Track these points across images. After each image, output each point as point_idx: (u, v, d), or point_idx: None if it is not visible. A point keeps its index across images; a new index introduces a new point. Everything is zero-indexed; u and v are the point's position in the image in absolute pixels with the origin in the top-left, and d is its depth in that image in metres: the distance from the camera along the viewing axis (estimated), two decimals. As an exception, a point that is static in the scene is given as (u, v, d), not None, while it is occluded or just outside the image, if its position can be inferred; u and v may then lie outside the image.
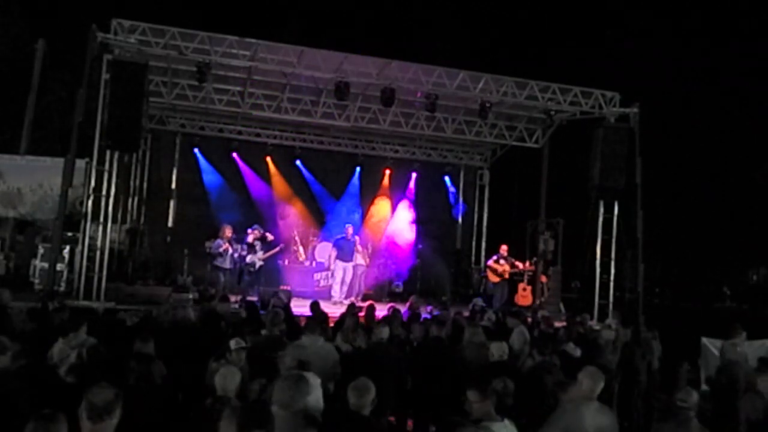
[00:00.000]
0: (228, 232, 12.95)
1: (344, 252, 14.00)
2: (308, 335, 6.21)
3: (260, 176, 16.79)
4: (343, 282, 13.94)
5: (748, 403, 5.37)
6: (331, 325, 8.28)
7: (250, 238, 13.68)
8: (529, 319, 9.59)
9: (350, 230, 14.29)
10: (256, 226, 14.13)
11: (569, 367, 5.88)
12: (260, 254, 13.62)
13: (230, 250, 12.85)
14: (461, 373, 5.95)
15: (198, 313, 7.95)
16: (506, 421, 4.10)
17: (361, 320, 8.37)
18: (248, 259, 13.52)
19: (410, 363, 6.64)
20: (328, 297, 13.77)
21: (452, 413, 4.21)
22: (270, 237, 13.86)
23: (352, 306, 9.46)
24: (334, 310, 10.93)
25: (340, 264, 14.00)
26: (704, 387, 9.00)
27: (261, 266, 13.71)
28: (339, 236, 14.36)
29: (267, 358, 5.74)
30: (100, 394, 3.17)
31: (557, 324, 9.85)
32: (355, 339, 6.87)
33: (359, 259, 14.41)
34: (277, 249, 14.07)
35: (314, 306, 9.17)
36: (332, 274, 14.47)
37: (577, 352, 7.32)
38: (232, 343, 5.47)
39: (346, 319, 7.94)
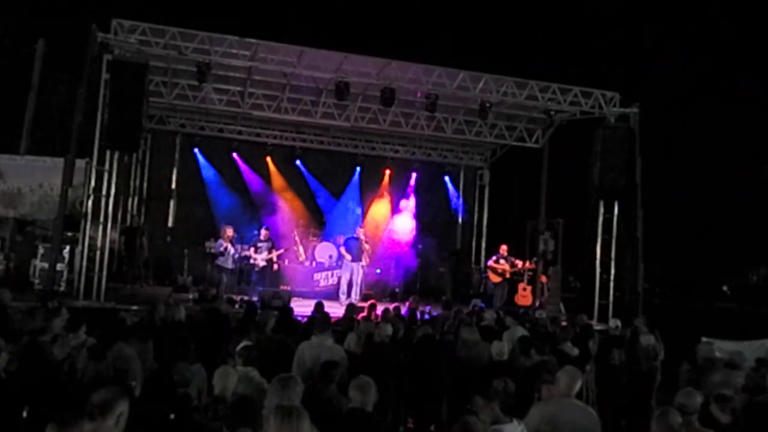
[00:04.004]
0: (229, 232, 12.96)
1: (353, 253, 13.97)
2: (318, 335, 6.18)
3: (260, 176, 16.81)
4: (351, 282, 13.86)
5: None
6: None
7: (262, 236, 13.70)
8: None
9: (361, 231, 14.33)
10: (264, 225, 14.17)
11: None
12: (264, 254, 13.61)
13: (231, 250, 12.86)
14: (459, 372, 5.95)
15: (199, 313, 7.95)
16: (515, 422, 4.14)
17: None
18: (251, 259, 13.51)
19: (410, 363, 6.63)
20: (331, 297, 13.72)
21: (456, 413, 4.23)
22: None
23: (352, 307, 9.43)
24: (336, 310, 10.90)
25: (347, 264, 13.97)
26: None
27: (262, 266, 13.70)
28: (348, 236, 14.33)
29: (269, 357, 5.76)
30: (99, 394, 3.18)
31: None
32: (373, 338, 6.81)
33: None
34: (280, 252, 14.10)
35: (319, 306, 9.13)
36: (333, 274, 14.44)
37: (575, 352, 7.34)
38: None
39: (362, 322, 7.87)
